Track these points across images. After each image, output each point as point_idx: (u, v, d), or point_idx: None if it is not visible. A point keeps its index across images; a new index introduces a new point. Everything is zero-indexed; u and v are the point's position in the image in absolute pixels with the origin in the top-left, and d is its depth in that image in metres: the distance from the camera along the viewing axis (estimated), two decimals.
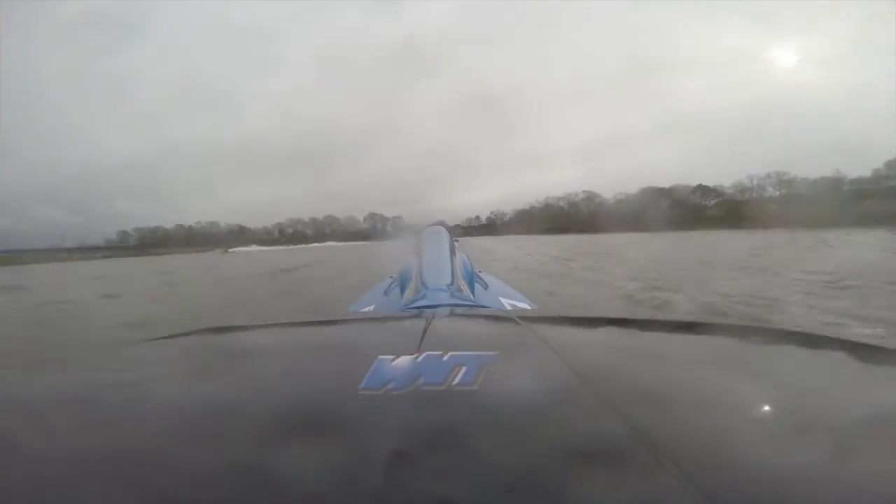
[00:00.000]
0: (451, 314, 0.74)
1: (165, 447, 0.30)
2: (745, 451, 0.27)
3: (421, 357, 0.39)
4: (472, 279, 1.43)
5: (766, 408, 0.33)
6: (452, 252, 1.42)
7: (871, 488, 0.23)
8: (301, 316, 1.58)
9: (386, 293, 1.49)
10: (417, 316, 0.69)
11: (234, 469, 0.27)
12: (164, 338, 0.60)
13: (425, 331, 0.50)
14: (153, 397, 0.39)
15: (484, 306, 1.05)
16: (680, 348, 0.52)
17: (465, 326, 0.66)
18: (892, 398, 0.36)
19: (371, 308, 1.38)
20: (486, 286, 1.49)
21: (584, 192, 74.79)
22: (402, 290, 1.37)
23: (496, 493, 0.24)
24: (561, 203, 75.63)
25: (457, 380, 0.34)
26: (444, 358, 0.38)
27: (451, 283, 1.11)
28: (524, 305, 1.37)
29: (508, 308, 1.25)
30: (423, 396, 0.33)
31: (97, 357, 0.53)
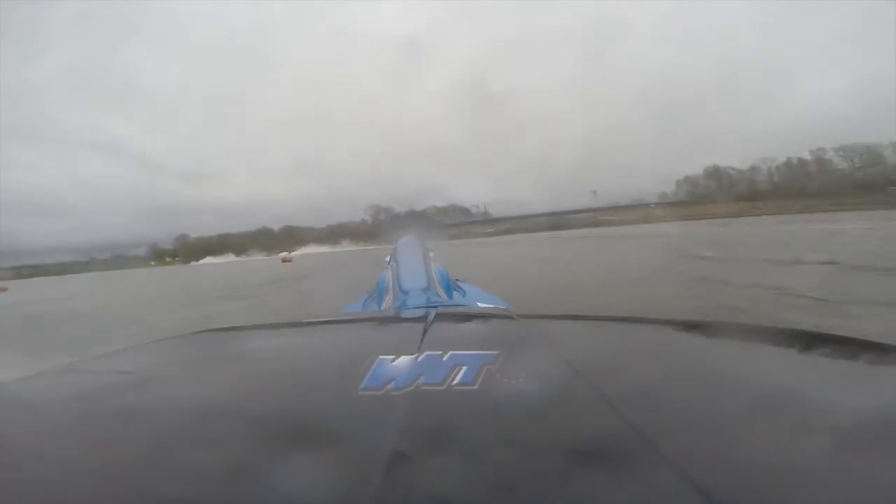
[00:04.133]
0: (451, 314, 0.74)
1: (169, 448, 0.31)
2: (746, 450, 0.27)
3: (421, 357, 0.39)
4: (449, 286, 1.42)
5: (767, 406, 0.33)
6: (427, 260, 1.44)
7: (871, 487, 0.24)
8: (302, 317, 1.48)
9: (364, 308, 1.47)
10: (417, 316, 0.68)
11: (237, 469, 0.27)
12: (166, 339, 0.61)
13: (425, 331, 0.50)
14: (156, 399, 0.40)
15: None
16: (680, 347, 0.52)
17: (465, 326, 0.65)
18: (894, 396, 0.36)
19: None
20: (463, 294, 1.47)
21: None
22: (379, 302, 1.34)
23: (496, 492, 0.24)
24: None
25: (456, 380, 0.35)
26: (444, 358, 0.38)
27: (428, 288, 1.12)
28: None
29: None
30: (422, 396, 0.33)
31: (99, 360, 0.53)
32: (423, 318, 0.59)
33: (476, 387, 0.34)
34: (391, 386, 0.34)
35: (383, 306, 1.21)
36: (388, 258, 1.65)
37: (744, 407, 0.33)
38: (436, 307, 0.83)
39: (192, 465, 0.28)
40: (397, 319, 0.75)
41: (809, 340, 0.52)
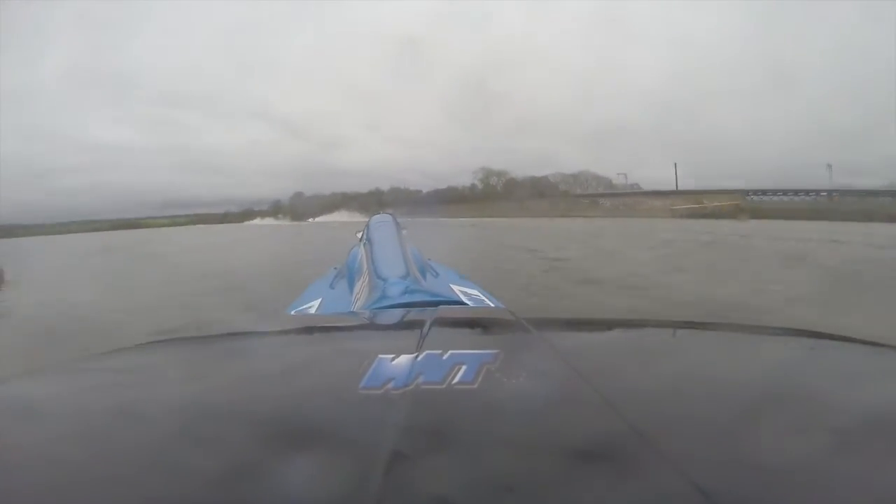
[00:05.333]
0: (452, 313, 0.73)
1: (168, 448, 0.30)
2: (748, 451, 0.26)
3: (421, 356, 0.39)
4: (423, 268, 1.39)
5: (769, 407, 0.33)
6: (403, 242, 1.43)
7: (872, 487, 0.23)
8: (302, 317, 1.24)
9: (332, 286, 1.44)
10: (417, 315, 0.69)
11: (235, 469, 0.27)
12: (162, 341, 0.62)
13: (425, 330, 0.50)
14: (155, 399, 0.39)
15: (455, 301, 1.05)
16: (682, 348, 0.52)
17: (466, 325, 0.66)
18: (894, 397, 0.36)
19: (318, 302, 1.32)
20: (436, 274, 1.45)
21: None
22: (350, 282, 1.32)
23: (495, 492, 0.23)
24: None
25: (456, 379, 0.34)
26: (444, 357, 0.38)
27: (407, 275, 1.09)
28: (475, 292, 1.31)
29: (460, 295, 1.22)
30: (422, 395, 0.33)
31: (99, 358, 0.54)
32: (423, 317, 0.59)
33: (476, 386, 0.33)
34: (391, 385, 0.34)
35: (356, 289, 1.20)
36: (359, 234, 1.66)
37: (745, 408, 0.32)
38: (428, 303, 0.84)
39: (192, 466, 0.28)
40: (397, 318, 0.74)
41: (811, 340, 0.52)
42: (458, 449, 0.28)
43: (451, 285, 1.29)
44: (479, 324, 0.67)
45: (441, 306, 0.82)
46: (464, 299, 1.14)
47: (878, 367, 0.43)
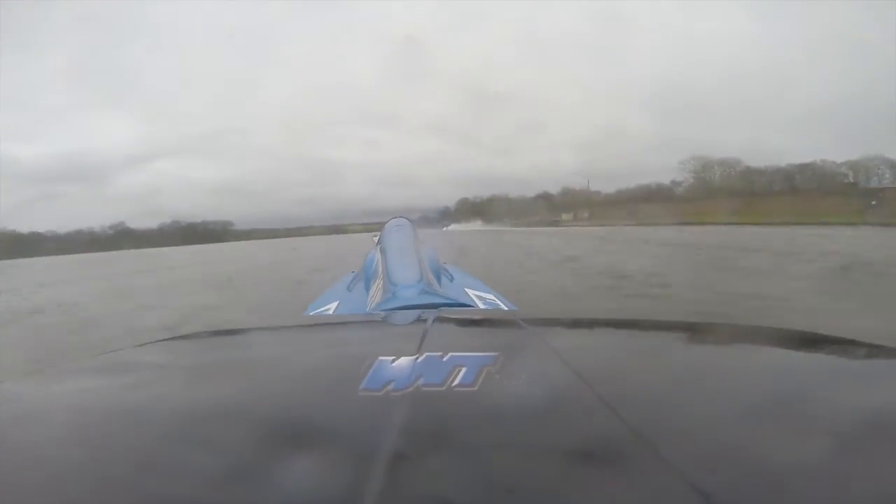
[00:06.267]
0: (452, 315, 0.73)
1: (169, 449, 0.31)
2: (748, 452, 0.26)
3: (421, 358, 0.39)
4: (438, 272, 1.38)
5: (769, 409, 0.32)
6: (418, 246, 1.42)
7: (873, 489, 0.23)
8: (304, 318, 1.31)
9: (349, 289, 1.46)
10: (418, 317, 0.70)
11: (236, 470, 0.27)
12: (164, 340, 0.63)
13: (426, 332, 0.50)
14: (156, 400, 0.40)
15: (463, 304, 1.04)
16: (683, 350, 0.52)
17: (466, 327, 0.66)
18: (894, 398, 0.36)
19: (335, 304, 1.33)
20: (451, 278, 1.45)
21: None
22: (367, 285, 1.34)
23: (495, 494, 0.24)
24: None
25: (456, 381, 0.34)
26: (444, 359, 0.38)
27: (420, 279, 1.09)
28: (489, 296, 1.31)
29: (475, 300, 1.21)
30: (422, 397, 0.33)
31: (99, 360, 0.54)
32: (423, 319, 0.60)
33: (476, 388, 0.33)
34: (391, 387, 0.34)
35: (371, 293, 1.21)
36: (375, 238, 1.67)
37: (744, 409, 0.33)
38: (437, 306, 0.83)
39: (193, 467, 0.28)
40: (398, 320, 0.74)
41: (811, 342, 0.52)
42: (458, 451, 0.28)
43: (467, 289, 1.29)
44: (479, 325, 0.66)
45: (441, 308, 0.80)
46: (479, 303, 1.13)
47: (878, 367, 0.43)
